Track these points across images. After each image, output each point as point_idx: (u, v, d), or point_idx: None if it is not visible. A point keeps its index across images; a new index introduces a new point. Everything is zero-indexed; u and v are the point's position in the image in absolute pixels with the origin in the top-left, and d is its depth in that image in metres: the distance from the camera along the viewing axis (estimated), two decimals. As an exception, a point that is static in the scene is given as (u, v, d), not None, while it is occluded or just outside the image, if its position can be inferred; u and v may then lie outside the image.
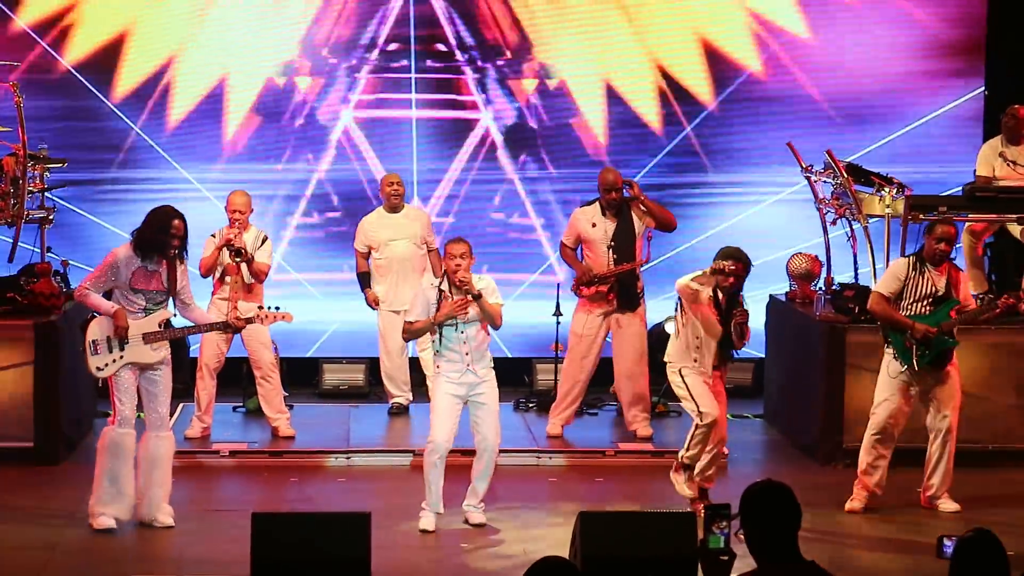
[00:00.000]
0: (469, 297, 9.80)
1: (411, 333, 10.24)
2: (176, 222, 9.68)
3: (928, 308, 10.31)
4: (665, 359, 10.37)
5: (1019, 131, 12.51)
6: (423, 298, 9.95)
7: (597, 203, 12.07)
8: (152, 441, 9.83)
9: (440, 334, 9.86)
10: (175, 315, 9.91)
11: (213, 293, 12.03)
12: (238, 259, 11.81)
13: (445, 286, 9.87)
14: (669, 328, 13.64)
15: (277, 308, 10.16)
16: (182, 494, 10.23)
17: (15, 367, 11.39)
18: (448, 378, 9.91)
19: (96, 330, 9.77)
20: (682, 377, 10.16)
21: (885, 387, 10.38)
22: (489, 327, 9.96)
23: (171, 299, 9.83)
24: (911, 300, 10.33)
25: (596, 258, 12.01)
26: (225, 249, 11.88)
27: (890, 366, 10.35)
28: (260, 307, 10.21)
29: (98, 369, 9.77)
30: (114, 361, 9.73)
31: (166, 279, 9.75)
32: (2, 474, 11.11)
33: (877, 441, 10.38)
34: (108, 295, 9.85)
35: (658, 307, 13.30)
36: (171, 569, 9.08)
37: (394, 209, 12.65)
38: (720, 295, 10.14)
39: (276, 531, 8.61)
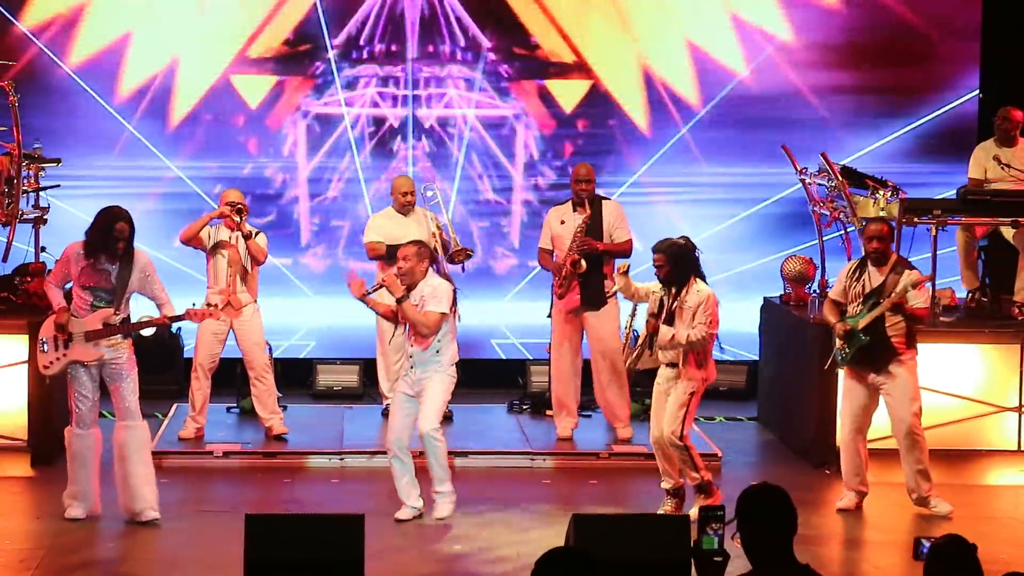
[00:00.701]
0: (385, 279, 10.18)
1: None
2: (119, 224, 9.71)
3: (858, 308, 10.39)
4: None
5: (1012, 133, 12.53)
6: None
7: (570, 201, 12.07)
8: (122, 432, 9.86)
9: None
10: (118, 314, 9.85)
11: (208, 288, 11.99)
12: (238, 218, 11.74)
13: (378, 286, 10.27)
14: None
15: (209, 304, 10.24)
16: (175, 495, 10.23)
17: (9, 367, 11.38)
18: (402, 379, 10.18)
19: (47, 328, 9.89)
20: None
21: (847, 388, 10.52)
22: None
23: (120, 299, 9.79)
24: (849, 301, 10.44)
25: (562, 254, 11.99)
26: (222, 227, 11.82)
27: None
28: (193, 303, 10.19)
29: (44, 367, 9.86)
30: (58, 359, 9.80)
31: (115, 278, 9.76)
32: (-4, 474, 11.13)
33: (852, 438, 10.44)
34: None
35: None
36: (164, 570, 9.08)
37: (404, 211, 12.52)
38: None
39: (269, 532, 8.59)
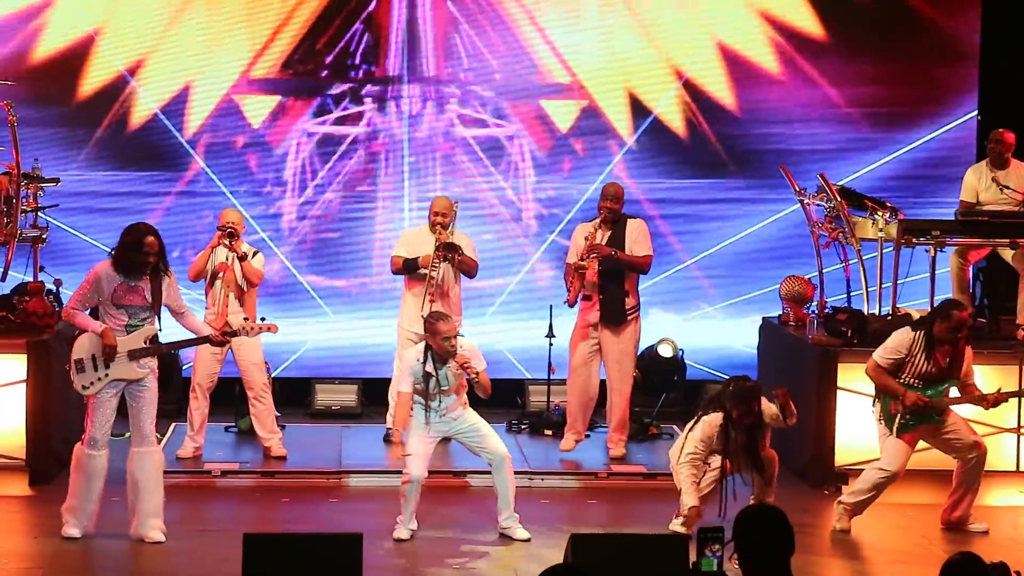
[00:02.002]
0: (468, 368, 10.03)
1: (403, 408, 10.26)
2: (149, 239, 9.70)
3: (919, 383, 10.29)
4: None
5: (1005, 155, 12.54)
6: (409, 370, 10.12)
7: (597, 219, 12.11)
8: (137, 458, 9.85)
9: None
10: (161, 330, 9.90)
11: (206, 309, 12.00)
12: (229, 241, 11.75)
13: (430, 366, 10.05)
14: (663, 351, 13.73)
15: (263, 319, 10.22)
16: (174, 514, 10.22)
17: (8, 385, 11.38)
18: (422, 421, 10.15)
19: (81, 348, 9.80)
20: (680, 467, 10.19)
21: (884, 443, 10.36)
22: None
23: (156, 314, 9.83)
24: (909, 375, 10.29)
25: (587, 271, 12.00)
26: (220, 248, 11.85)
27: (877, 425, 10.41)
28: (246, 318, 10.22)
29: (84, 388, 9.81)
30: (99, 379, 9.75)
31: (149, 294, 9.76)
32: (-6, 492, 11.12)
33: (884, 480, 10.33)
34: (95, 312, 9.87)
35: (655, 327, 13.40)
36: (162, 589, 9.07)
37: (435, 230, 12.34)
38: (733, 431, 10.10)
39: (268, 552, 8.58)
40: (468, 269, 12.29)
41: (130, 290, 9.74)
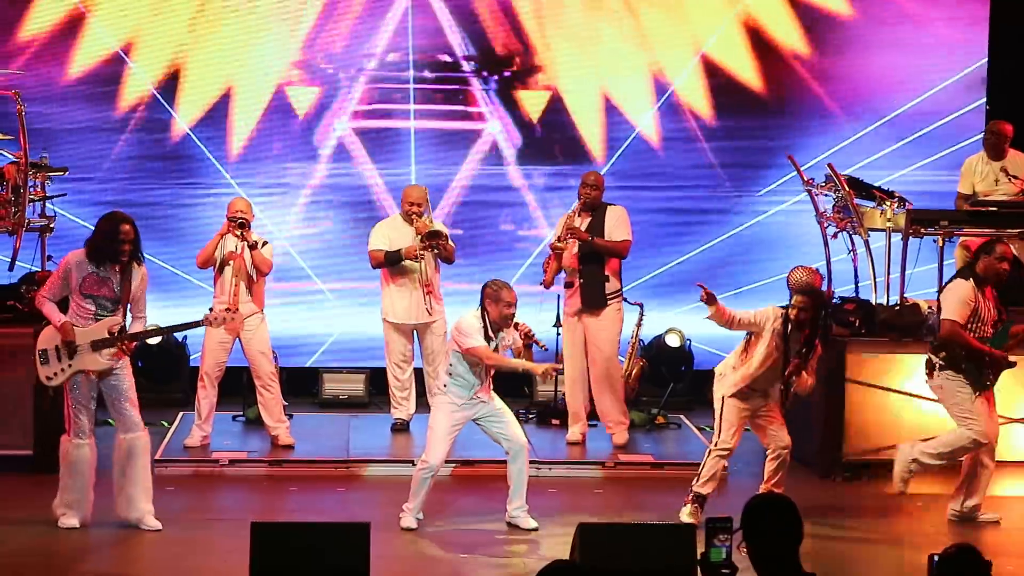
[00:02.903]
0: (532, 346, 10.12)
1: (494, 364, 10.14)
2: (125, 227, 9.66)
3: (988, 331, 10.21)
4: (717, 374, 10.35)
5: (1002, 146, 12.51)
6: (477, 331, 9.94)
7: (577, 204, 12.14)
8: (124, 444, 9.84)
9: (453, 362, 10.02)
10: (126, 321, 9.87)
11: (214, 297, 12.01)
12: (240, 231, 11.76)
13: (491, 332, 9.97)
14: (671, 341, 13.72)
15: (227, 309, 10.26)
16: (181, 503, 10.22)
17: (15, 375, 11.38)
18: (453, 403, 10.05)
19: (46, 339, 9.80)
20: (723, 403, 10.17)
21: (965, 403, 10.17)
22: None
23: (123, 306, 9.77)
24: (979, 323, 10.20)
25: (567, 256, 12.01)
26: (229, 236, 11.85)
27: (960, 390, 10.15)
28: (211, 308, 10.21)
29: (48, 379, 9.81)
30: (63, 370, 9.74)
31: (117, 286, 9.73)
32: (1, 482, 11.11)
33: (972, 447, 10.23)
34: (66, 302, 9.85)
35: (663, 317, 13.38)
36: (169, 578, 9.08)
37: (411, 220, 12.51)
38: (788, 328, 10.04)
39: (275, 541, 8.59)
40: (449, 255, 12.37)
41: (99, 281, 9.71)
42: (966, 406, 10.16)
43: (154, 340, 12.65)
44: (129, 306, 9.81)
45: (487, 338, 9.92)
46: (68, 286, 9.76)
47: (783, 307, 10.12)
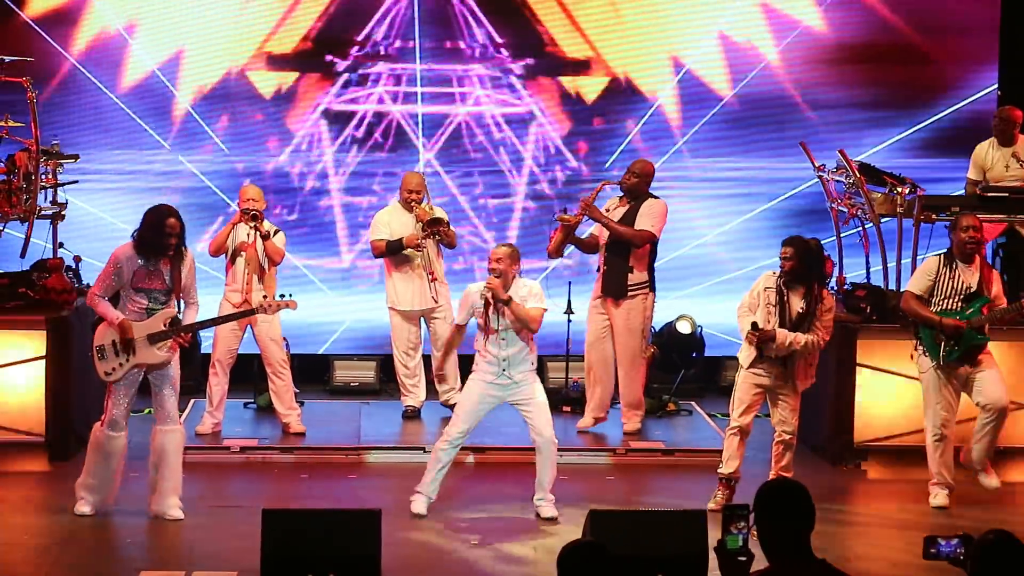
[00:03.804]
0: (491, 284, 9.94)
1: (455, 337, 10.42)
2: (171, 220, 9.70)
3: (959, 304, 10.37)
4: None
5: (1011, 132, 12.48)
6: (468, 302, 10.08)
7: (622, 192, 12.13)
8: (159, 436, 9.89)
9: (484, 337, 10.03)
10: (180, 313, 9.92)
11: (226, 285, 12.02)
12: (253, 223, 11.77)
13: (489, 294, 9.97)
14: (682, 327, 13.70)
15: (283, 296, 10.25)
16: (193, 490, 10.24)
17: (27, 362, 11.41)
18: (484, 379, 10.07)
19: (101, 335, 9.83)
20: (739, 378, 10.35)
21: (929, 390, 10.44)
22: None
23: (175, 297, 9.83)
24: (942, 296, 10.41)
25: (571, 225, 12.00)
26: (241, 225, 11.86)
27: (920, 362, 10.47)
28: (264, 296, 10.23)
29: (107, 374, 9.84)
30: (121, 365, 9.78)
31: (168, 277, 9.76)
32: (14, 468, 11.15)
33: (936, 442, 10.43)
34: (118, 296, 9.88)
35: (671, 303, 13.38)
36: (181, 564, 9.07)
37: (410, 208, 12.53)
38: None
39: (286, 527, 8.61)
40: (452, 240, 12.40)
41: (150, 274, 9.75)
42: (928, 395, 10.45)
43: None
44: (182, 299, 9.92)
45: (486, 302, 9.96)
46: (120, 281, 9.77)
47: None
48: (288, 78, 14.20)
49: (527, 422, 10.16)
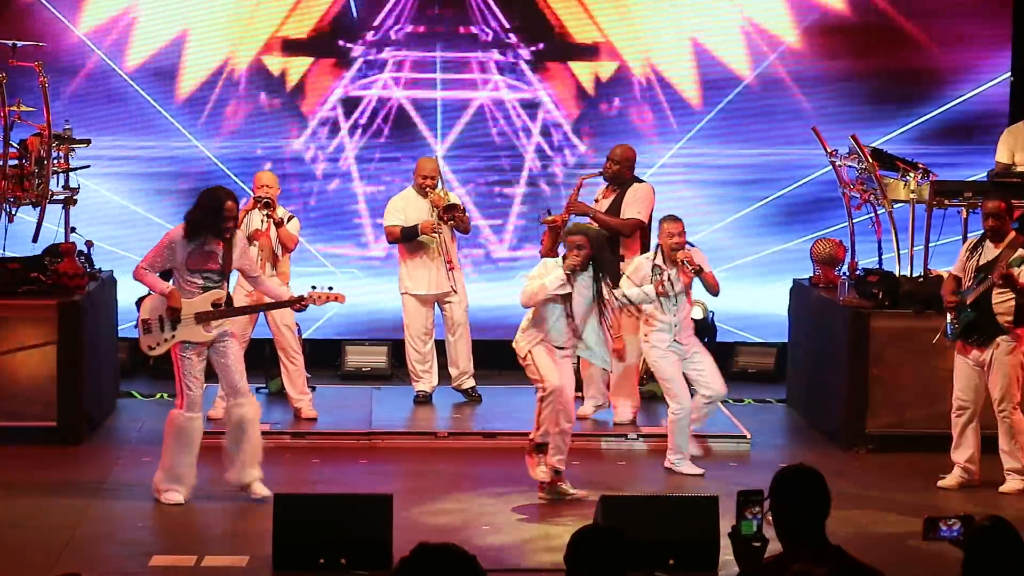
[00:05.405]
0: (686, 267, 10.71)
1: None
2: (229, 203, 9.75)
3: (972, 282, 10.45)
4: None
5: None
6: (641, 270, 10.80)
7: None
8: (236, 410, 9.94)
9: (659, 304, 10.66)
10: (230, 293, 9.93)
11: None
12: (266, 211, 11.76)
13: (659, 260, 10.68)
14: (694, 313, 13.68)
15: (330, 288, 10.24)
16: (204, 474, 10.23)
17: (39, 347, 11.41)
18: (658, 347, 10.78)
19: (148, 309, 9.87)
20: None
21: (955, 364, 10.58)
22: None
23: (226, 278, 9.87)
24: (967, 276, 10.50)
25: (557, 225, 11.94)
26: (255, 212, 11.86)
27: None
28: (314, 287, 10.23)
29: (149, 348, 9.90)
30: (165, 340, 9.82)
31: (221, 258, 9.78)
32: (26, 453, 11.15)
33: (955, 416, 10.53)
34: (168, 275, 9.91)
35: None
36: (193, 549, 9.08)
37: (424, 193, 12.51)
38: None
39: (298, 512, 8.63)
40: (466, 226, 12.41)
41: (204, 255, 9.79)
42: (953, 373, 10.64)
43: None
44: (246, 277, 10.12)
45: (656, 267, 10.76)
46: (172, 260, 9.81)
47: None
48: (302, 63, 14.16)
49: (696, 379, 10.87)
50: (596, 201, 12.00)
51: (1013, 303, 10.30)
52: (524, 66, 14.25)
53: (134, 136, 13.98)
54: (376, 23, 14.16)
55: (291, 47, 14.17)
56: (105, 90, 13.93)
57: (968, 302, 10.36)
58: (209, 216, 9.73)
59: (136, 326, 9.95)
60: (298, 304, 10.13)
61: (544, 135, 14.27)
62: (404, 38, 14.19)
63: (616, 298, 10.15)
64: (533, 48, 14.25)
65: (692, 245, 10.91)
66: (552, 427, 9.97)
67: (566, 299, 9.95)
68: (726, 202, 14.26)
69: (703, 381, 10.90)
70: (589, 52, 14.28)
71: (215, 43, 14.08)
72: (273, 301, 10.48)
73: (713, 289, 10.84)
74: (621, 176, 11.93)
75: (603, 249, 10.04)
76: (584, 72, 14.28)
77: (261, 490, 9.86)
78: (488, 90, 14.26)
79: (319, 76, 14.20)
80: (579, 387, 12.45)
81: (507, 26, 14.22)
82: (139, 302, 10.01)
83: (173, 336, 9.78)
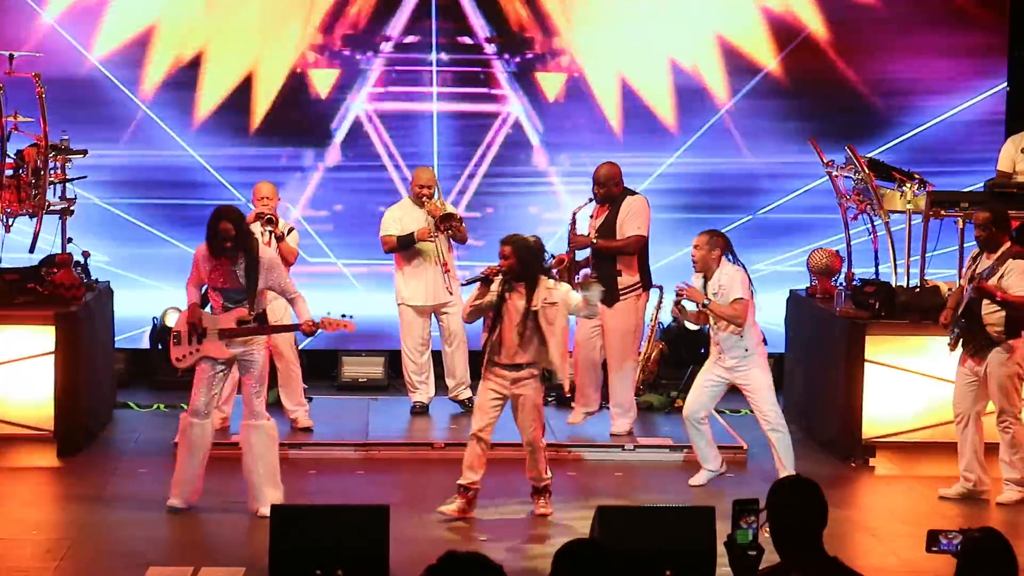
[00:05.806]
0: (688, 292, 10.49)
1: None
2: (223, 224, 9.75)
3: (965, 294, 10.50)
4: None
5: None
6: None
7: (592, 201, 12.03)
8: (246, 431, 10.01)
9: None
10: (253, 312, 9.90)
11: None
12: (269, 227, 11.76)
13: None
14: (689, 325, 13.69)
15: (344, 315, 10.25)
16: (204, 485, 10.23)
17: (36, 357, 11.41)
18: (710, 362, 10.73)
19: (181, 322, 10.03)
20: None
21: (956, 374, 10.63)
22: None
23: (250, 297, 9.84)
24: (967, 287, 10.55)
25: (565, 263, 11.90)
26: (256, 227, 11.86)
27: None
28: (328, 312, 10.27)
29: (177, 359, 10.00)
30: (191, 353, 9.94)
31: (242, 278, 9.81)
32: (23, 463, 11.15)
33: (955, 425, 10.53)
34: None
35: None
36: (189, 560, 9.08)
37: (421, 203, 12.52)
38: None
39: (294, 523, 8.62)
40: (464, 236, 12.38)
41: (224, 273, 9.84)
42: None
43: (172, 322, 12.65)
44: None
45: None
46: (201, 275, 9.94)
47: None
48: (315, 75, 14.17)
49: (752, 404, 10.75)
50: (592, 217, 11.98)
51: (1003, 315, 10.31)
52: (519, 77, 14.25)
53: (131, 147, 13.98)
54: (377, 32, 14.16)
55: (291, 58, 14.16)
56: (106, 103, 13.93)
57: (959, 313, 10.38)
58: (210, 235, 9.78)
59: (170, 336, 10.09)
60: (310, 328, 10.08)
61: (518, 146, 14.26)
62: (397, 48, 14.19)
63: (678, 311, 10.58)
64: (527, 57, 14.24)
65: (688, 284, 10.61)
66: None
67: (501, 311, 9.86)
68: (719, 213, 14.24)
69: (758, 410, 10.87)
70: (556, 62, 14.26)
71: (230, 60, 14.02)
72: (281, 324, 10.60)
73: (733, 321, 10.47)
74: (610, 194, 11.90)
75: (530, 261, 9.89)
76: (550, 83, 14.25)
77: (264, 511, 9.87)
78: (487, 101, 14.27)
79: (312, 87, 14.19)
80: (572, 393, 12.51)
81: (494, 36, 14.21)
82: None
83: (198, 350, 9.89)
